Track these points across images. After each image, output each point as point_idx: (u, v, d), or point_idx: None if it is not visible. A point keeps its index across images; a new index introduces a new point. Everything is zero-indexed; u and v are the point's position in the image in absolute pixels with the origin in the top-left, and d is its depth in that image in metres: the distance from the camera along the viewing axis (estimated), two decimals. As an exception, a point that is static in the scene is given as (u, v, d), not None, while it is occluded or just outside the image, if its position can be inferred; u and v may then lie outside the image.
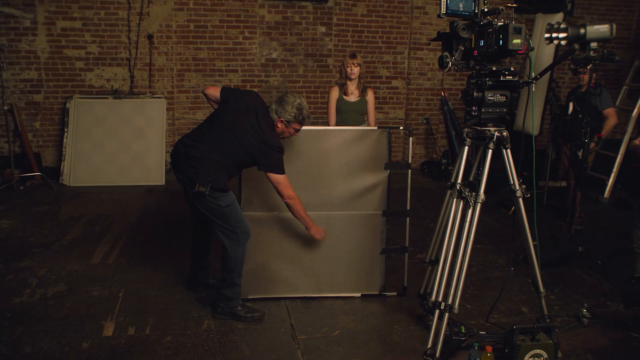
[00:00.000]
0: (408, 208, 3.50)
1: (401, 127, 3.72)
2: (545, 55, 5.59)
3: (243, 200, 3.31)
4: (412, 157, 7.59)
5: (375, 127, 3.48)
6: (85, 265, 3.90)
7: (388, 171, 3.44)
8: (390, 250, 3.63)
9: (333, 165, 3.40)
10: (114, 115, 6.48)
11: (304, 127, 3.17)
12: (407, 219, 3.52)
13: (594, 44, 3.68)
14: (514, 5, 2.59)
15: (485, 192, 2.68)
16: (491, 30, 2.51)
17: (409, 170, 3.51)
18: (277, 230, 3.39)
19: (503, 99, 2.68)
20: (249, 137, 2.96)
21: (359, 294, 3.49)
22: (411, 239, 4.53)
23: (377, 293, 3.52)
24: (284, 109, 2.98)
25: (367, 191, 3.43)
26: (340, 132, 3.49)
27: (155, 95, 6.72)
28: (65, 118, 6.46)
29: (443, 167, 7.10)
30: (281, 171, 2.98)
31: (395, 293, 3.54)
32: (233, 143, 2.98)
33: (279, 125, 3.02)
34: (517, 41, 2.43)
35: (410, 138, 3.57)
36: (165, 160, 6.47)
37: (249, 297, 3.35)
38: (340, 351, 2.86)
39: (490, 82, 2.63)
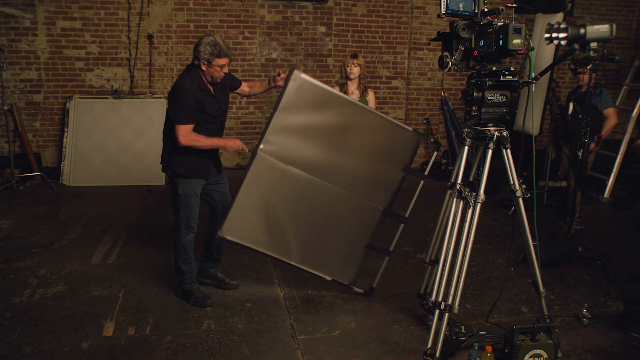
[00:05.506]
0: (407, 215, 3.44)
1: (432, 139, 3.68)
2: (545, 55, 5.58)
3: (270, 143, 3.11)
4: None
5: (411, 129, 3.43)
6: (85, 265, 3.90)
7: (404, 174, 3.41)
8: (375, 248, 3.50)
9: (358, 143, 3.30)
10: (114, 115, 6.48)
11: (350, 98, 3.31)
12: (402, 225, 3.46)
13: (594, 44, 3.68)
14: (514, 5, 2.59)
15: (485, 191, 2.68)
16: (491, 30, 2.51)
17: (422, 182, 3.42)
18: (296, 190, 3.23)
19: (503, 99, 2.68)
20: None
21: (329, 278, 3.38)
22: (411, 239, 4.54)
23: (346, 284, 3.44)
24: (199, 50, 3.00)
25: (378, 183, 3.39)
26: (378, 117, 3.35)
27: (155, 95, 6.72)
28: (65, 118, 6.47)
29: (443, 167, 7.10)
30: (178, 120, 3.00)
31: (362, 291, 3.48)
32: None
33: (203, 67, 3.03)
34: (517, 41, 2.43)
35: (435, 152, 3.57)
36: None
37: (228, 238, 3.09)
38: (340, 351, 2.86)
39: (490, 82, 2.63)
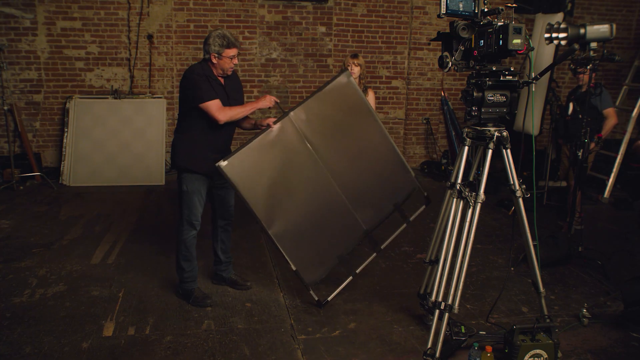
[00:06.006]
0: (382, 248, 3.57)
1: (425, 194, 3.76)
2: (545, 55, 5.59)
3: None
4: (412, 156, 7.60)
5: (413, 174, 3.67)
6: (85, 265, 3.90)
7: (393, 209, 3.57)
8: (345, 262, 3.46)
9: (367, 158, 3.52)
10: (114, 115, 6.48)
11: (378, 120, 3.52)
12: (374, 254, 3.58)
13: (594, 44, 3.68)
14: (514, 5, 2.59)
15: (485, 191, 2.68)
16: (491, 30, 2.51)
17: (404, 225, 3.64)
18: (302, 166, 3.33)
19: (503, 99, 2.68)
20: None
21: (294, 268, 3.24)
22: (411, 239, 4.54)
23: (305, 283, 3.28)
24: (209, 43, 3.06)
25: (369, 201, 3.52)
26: (392, 148, 3.62)
27: (155, 95, 6.72)
28: (65, 118, 6.47)
29: (443, 167, 7.10)
30: (202, 99, 3.04)
31: (316, 298, 3.31)
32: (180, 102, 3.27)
33: (214, 60, 3.09)
34: (517, 41, 2.43)
35: (423, 206, 3.72)
36: (165, 160, 6.47)
37: (225, 171, 3.03)
38: (340, 351, 2.86)
39: (490, 82, 2.63)
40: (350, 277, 3.46)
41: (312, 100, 3.34)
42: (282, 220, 3.24)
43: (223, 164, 3.01)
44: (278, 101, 3.28)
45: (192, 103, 3.07)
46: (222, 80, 3.18)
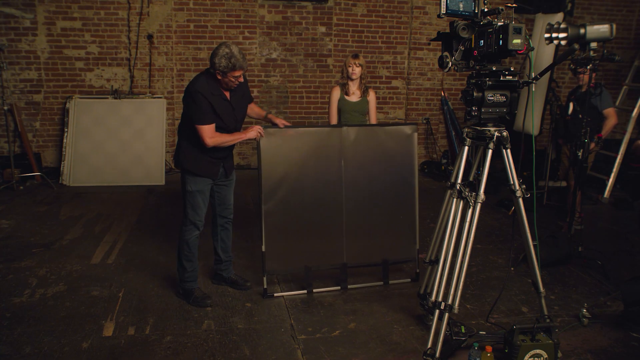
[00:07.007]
0: (348, 288, 3.57)
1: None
2: (545, 55, 5.59)
3: None
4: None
5: (417, 248, 3.70)
6: (85, 265, 3.90)
7: (380, 262, 3.64)
8: (308, 276, 3.53)
9: (386, 201, 3.63)
10: (114, 115, 6.48)
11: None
12: (339, 287, 3.58)
13: (594, 44, 3.68)
14: (514, 5, 2.59)
15: (485, 191, 2.68)
16: (491, 30, 2.51)
17: (381, 282, 3.66)
18: (327, 170, 3.51)
19: (503, 99, 2.68)
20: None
21: (264, 249, 3.41)
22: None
23: (264, 269, 3.41)
24: (214, 61, 3.03)
25: (362, 238, 3.59)
26: (413, 216, 3.68)
27: (155, 96, 6.72)
28: (65, 118, 6.47)
29: (443, 167, 7.10)
30: (199, 121, 3.07)
31: (264, 287, 3.43)
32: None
33: (218, 76, 3.08)
34: (517, 41, 2.43)
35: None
36: (166, 160, 6.47)
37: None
38: (340, 351, 2.86)
39: (490, 82, 2.63)
40: (306, 292, 3.51)
41: (372, 128, 3.73)
42: (279, 203, 3.42)
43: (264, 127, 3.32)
44: (262, 135, 3.31)
45: (191, 120, 3.10)
46: (227, 94, 3.18)
